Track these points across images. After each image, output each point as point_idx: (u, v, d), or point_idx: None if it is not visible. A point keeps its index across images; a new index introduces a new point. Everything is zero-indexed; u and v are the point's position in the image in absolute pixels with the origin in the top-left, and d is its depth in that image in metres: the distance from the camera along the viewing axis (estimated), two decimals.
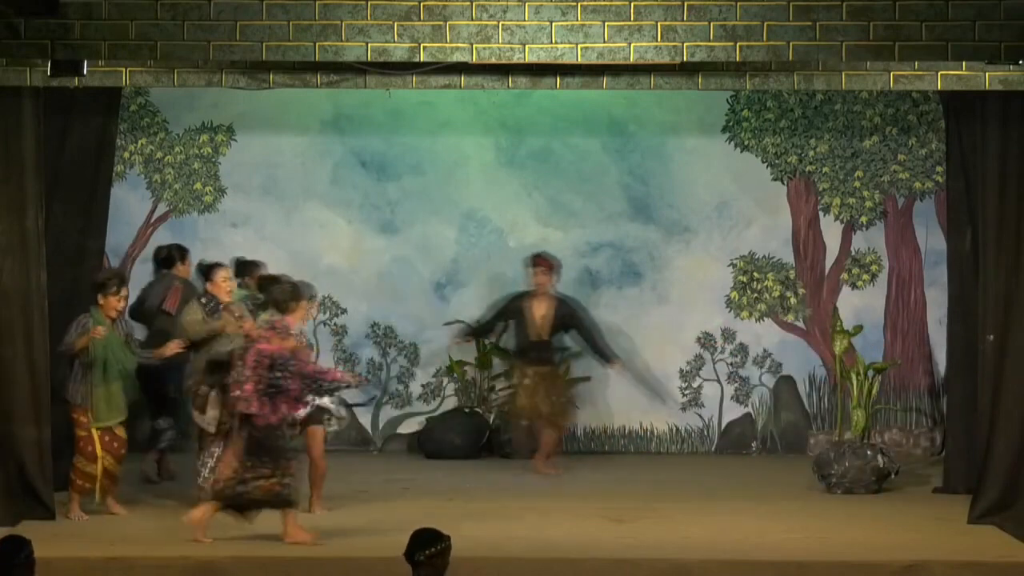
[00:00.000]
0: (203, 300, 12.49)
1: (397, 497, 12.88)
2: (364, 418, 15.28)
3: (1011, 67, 11.14)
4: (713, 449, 15.23)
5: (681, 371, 15.26)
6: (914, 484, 13.46)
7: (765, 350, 15.31)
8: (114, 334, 11.90)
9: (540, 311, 14.03)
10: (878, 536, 11.49)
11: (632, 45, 10.77)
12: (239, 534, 11.20)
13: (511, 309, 14.17)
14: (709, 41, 10.74)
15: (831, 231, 15.32)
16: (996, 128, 11.81)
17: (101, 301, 11.89)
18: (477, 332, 14.66)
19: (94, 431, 11.87)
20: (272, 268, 14.59)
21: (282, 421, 10.93)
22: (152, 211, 15.22)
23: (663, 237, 15.31)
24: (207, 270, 12.75)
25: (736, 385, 15.28)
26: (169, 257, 13.99)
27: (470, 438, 14.93)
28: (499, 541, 11.08)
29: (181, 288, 13.71)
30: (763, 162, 15.29)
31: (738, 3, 10.72)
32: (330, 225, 15.31)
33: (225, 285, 12.44)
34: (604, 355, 14.34)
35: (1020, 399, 11.76)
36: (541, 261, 14.14)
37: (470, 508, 12.33)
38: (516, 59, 10.88)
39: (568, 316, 14.10)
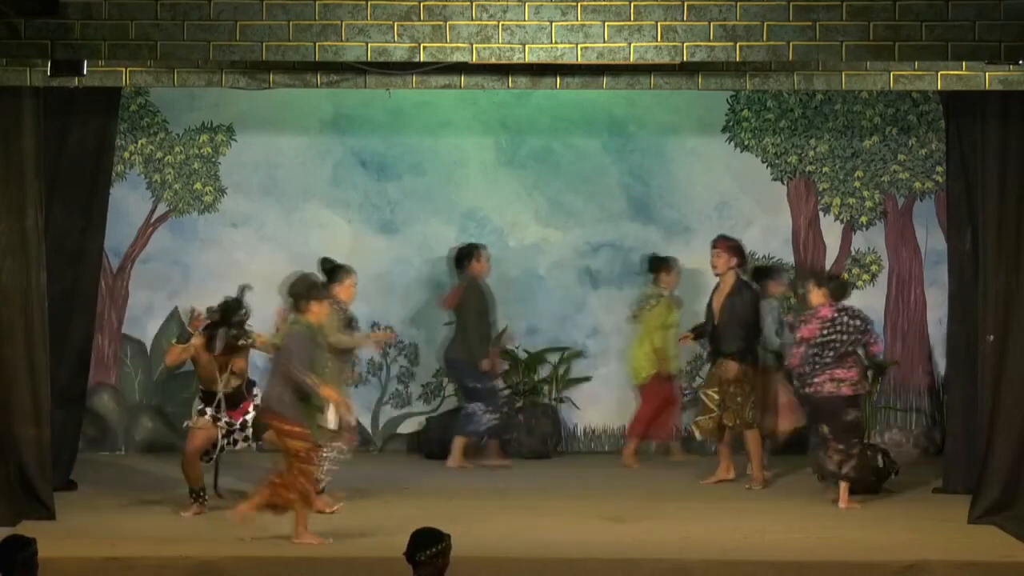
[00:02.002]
0: (335, 305, 12.54)
1: (397, 497, 12.88)
2: (364, 418, 15.28)
3: (1011, 67, 11.13)
4: (713, 449, 15.21)
5: (681, 371, 15.24)
6: (914, 484, 13.46)
7: None
8: (323, 341, 11.40)
9: (718, 298, 13.60)
10: (878, 536, 11.49)
11: (632, 45, 10.77)
12: (237, 534, 11.20)
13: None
14: (709, 41, 10.74)
15: (831, 231, 15.33)
16: (996, 128, 11.81)
17: (315, 308, 11.20)
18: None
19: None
20: (272, 268, 14.61)
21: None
22: (152, 211, 15.21)
23: (663, 237, 15.31)
24: (331, 272, 12.82)
25: None
26: (461, 256, 14.43)
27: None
28: (499, 541, 11.08)
29: (462, 287, 14.32)
30: (763, 162, 15.30)
31: (738, 3, 10.72)
32: (330, 225, 15.30)
33: (353, 291, 12.63)
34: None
35: (1020, 399, 11.77)
36: (717, 243, 13.64)
37: (470, 508, 12.33)
38: (516, 59, 10.88)
39: (741, 305, 13.40)
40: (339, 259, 15.11)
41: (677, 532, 11.57)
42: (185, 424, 12.50)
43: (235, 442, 12.27)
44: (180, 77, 11.57)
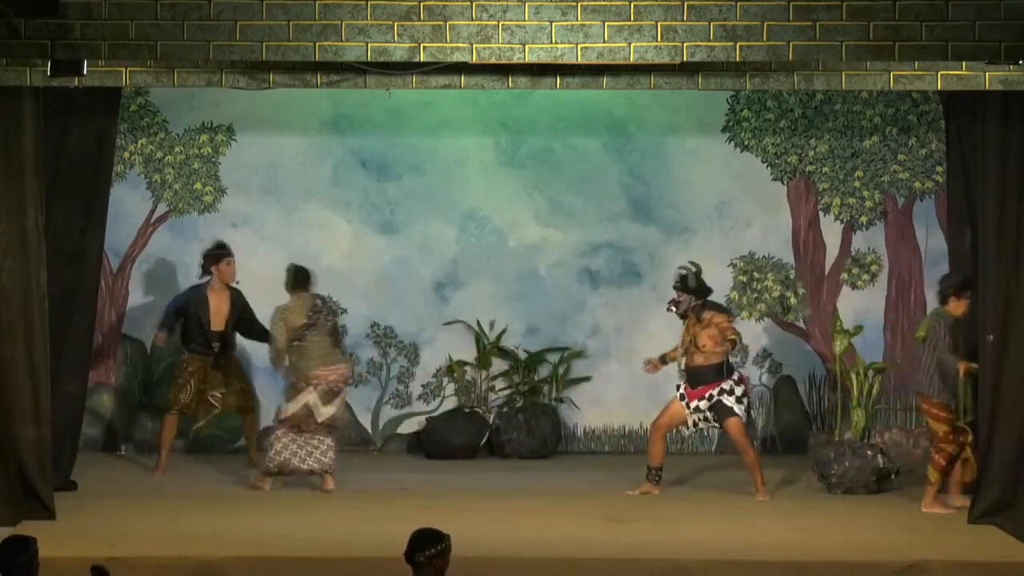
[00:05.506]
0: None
1: (397, 497, 12.88)
2: (364, 418, 15.29)
3: (1011, 67, 11.13)
4: (713, 449, 15.23)
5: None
6: (914, 484, 13.44)
7: (765, 350, 15.31)
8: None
9: (222, 304, 13.95)
10: (878, 536, 11.49)
11: (632, 45, 10.77)
12: (239, 534, 11.20)
13: (194, 300, 14.02)
14: (709, 41, 10.73)
15: (831, 231, 15.33)
16: (996, 128, 11.80)
17: (954, 303, 12.39)
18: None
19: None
20: (272, 268, 14.60)
21: None
22: (152, 211, 15.22)
23: (663, 237, 15.31)
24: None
25: None
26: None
27: (470, 438, 14.94)
28: (499, 541, 11.08)
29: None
30: (763, 162, 15.30)
31: (738, 3, 10.71)
32: (330, 225, 15.31)
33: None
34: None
35: (1020, 399, 11.76)
36: (230, 254, 14.08)
37: (470, 508, 12.33)
38: (516, 59, 10.87)
39: (242, 310, 14.04)
40: (339, 259, 15.20)
41: (677, 532, 11.58)
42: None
43: (695, 423, 13.00)
44: (180, 77, 11.57)
